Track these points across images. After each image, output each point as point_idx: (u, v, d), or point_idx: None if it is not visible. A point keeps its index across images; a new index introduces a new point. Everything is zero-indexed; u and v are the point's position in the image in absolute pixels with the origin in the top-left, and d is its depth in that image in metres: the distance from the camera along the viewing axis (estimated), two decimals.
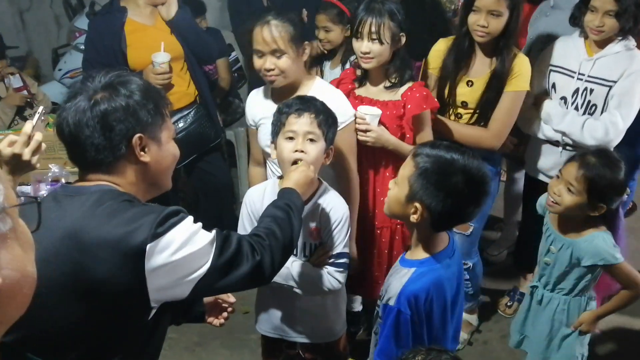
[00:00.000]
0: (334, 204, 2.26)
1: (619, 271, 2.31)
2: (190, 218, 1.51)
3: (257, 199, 2.31)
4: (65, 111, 1.51)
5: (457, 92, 2.78)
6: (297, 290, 2.29)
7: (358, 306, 3.23)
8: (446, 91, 2.79)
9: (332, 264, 2.26)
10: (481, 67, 2.73)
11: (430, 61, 2.86)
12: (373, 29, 2.43)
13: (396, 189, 1.83)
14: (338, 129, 2.27)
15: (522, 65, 2.69)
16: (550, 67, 2.95)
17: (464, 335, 3.22)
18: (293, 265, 2.27)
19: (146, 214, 1.43)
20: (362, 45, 2.48)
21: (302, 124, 2.12)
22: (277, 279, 2.27)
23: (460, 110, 2.81)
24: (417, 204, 1.75)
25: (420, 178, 1.74)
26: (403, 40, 2.52)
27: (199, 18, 4.15)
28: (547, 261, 2.47)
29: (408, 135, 2.59)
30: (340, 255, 2.26)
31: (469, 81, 2.75)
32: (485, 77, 2.71)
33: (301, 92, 2.42)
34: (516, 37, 2.74)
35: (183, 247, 1.45)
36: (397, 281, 1.84)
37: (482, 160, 1.82)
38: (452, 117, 2.83)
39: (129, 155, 1.52)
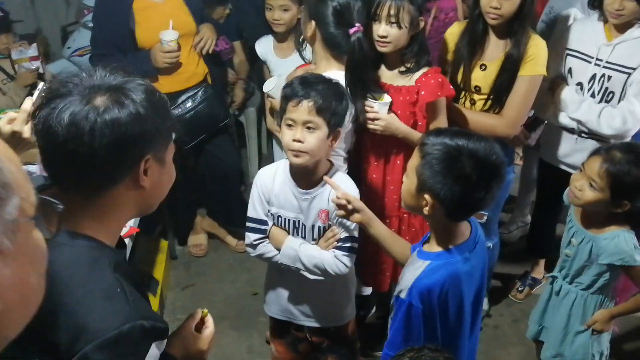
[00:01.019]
0: (344, 187, 2.23)
1: (637, 274, 2.25)
2: None
3: (268, 180, 2.31)
4: (58, 112, 1.15)
5: (470, 76, 2.72)
6: (305, 273, 2.29)
7: (367, 290, 3.21)
8: (459, 76, 2.73)
9: (339, 248, 2.25)
10: (495, 51, 2.65)
11: (444, 45, 2.80)
12: (392, 12, 2.35)
13: (407, 181, 1.79)
14: None
15: (537, 48, 2.60)
16: (567, 51, 2.88)
17: None
18: (301, 248, 2.26)
19: (111, 316, 1.15)
20: (379, 29, 2.40)
21: (300, 112, 2.10)
22: (285, 260, 2.29)
23: (474, 95, 2.74)
24: (427, 196, 1.70)
25: (426, 167, 1.70)
26: (422, 25, 2.45)
27: (222, 7, 4.08)
28: (567, 253, 2.42)
29: (420, 123, 2.53)
30: (348, 239, 2.25)
31: (482, 65, 2.68)
32: (499, 60, 2.63)
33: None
34: (531, 19, 2.66)
35: None
36: (410, 273, 1.80)
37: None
38: (467, 103, 2.76)
39: (128, 179, 1.23)
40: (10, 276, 0.71)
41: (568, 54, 2.87)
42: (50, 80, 1.26)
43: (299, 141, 2.09)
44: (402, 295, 1.78)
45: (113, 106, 1.17)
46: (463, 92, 2.74)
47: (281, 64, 3.27)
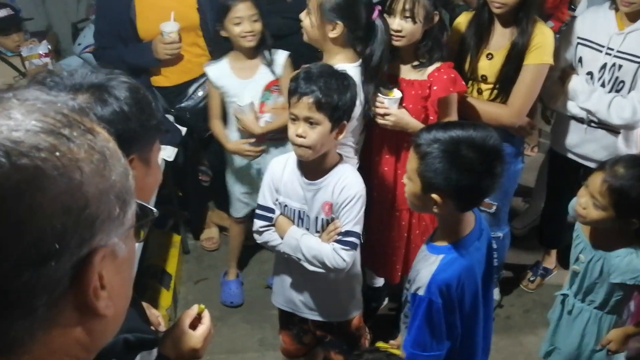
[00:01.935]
0: (349, 181, 2.24)
1: None
2: None
3: (278, 169, 2.34)
4: None
5: (477, 66, 2.71)
6: (305, 264, 2.29)
7: (379, 282, 3.22)
8: (466, 65, 2.72)
9: (339, 241, 2.23)
10: (501, 40, 2.65)
11: (452, 35, 2.79)
12: (407, 6, 2.36)
13: (410, 184, 1.78)
14: None
15: (543, 36, 2.59)
16: (578, 40, 2.85)
17: None
18: (302, 238, 2.27)
19: None
20: (393, 23, 2.40)
21: (301, 108, 2.11)
22: (287, 249, 2.30)
23: (481, 85, 2.73)
24: (435, 195, 1.70)
25: (428, 168, 1.69)
26: (436, 19, 2.44)
27: None
28: (575, 269, 2.34)
29: (432, 118, 2.53)
30: (349, 233, 2.24)
31: (488, 54, 2.68)
32: (505, 49, 2.63)
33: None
34: (537, 7, 2.64)
35: None
36: (425, 269, 1.79)
37: (502, 141, 1.76)
38: (474, 93, 2.75)
39: None
40: (120, 282, 0.72)
41: (579, 43, 2.85)
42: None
43: (301, 136, 2.11)
44: (421, 293, 1.77)
45: (95, 104, 1.14)
46: (470, 82, 2.73)
47: (245, 85, 3.01)
